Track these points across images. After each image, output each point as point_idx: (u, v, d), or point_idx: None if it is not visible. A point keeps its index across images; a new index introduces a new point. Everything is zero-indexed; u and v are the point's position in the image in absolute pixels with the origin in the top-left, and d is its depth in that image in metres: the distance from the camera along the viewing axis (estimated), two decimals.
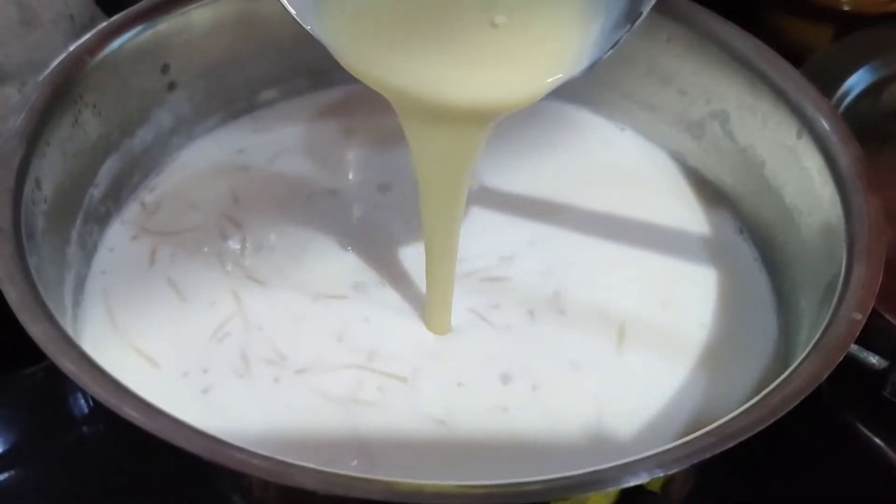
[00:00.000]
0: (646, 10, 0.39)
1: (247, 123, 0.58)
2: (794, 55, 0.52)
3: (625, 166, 0.56)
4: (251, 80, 0.58)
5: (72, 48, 0.48)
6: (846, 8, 0.66)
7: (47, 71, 0.47)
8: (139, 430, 0.34)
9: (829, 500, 0.51)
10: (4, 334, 0.53)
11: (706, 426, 0.36)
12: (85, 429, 0.54)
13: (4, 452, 0.52)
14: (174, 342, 0.47)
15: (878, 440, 0.50)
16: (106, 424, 0.47)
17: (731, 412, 0.37)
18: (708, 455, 0.34)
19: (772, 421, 0.35)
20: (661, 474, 0.34)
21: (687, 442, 0.35)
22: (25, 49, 0.56)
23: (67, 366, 0.36)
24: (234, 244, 0.51)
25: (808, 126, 0.49)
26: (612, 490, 0.34)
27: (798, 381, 0.37)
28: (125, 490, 0.50)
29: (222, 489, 0.42)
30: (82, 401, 0.54)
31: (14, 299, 0.37)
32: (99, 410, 0.51)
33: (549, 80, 0.40)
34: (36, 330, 0.37)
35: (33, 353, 0.55)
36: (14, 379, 0.55)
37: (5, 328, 0.50)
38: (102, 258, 0.50)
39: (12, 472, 0.52)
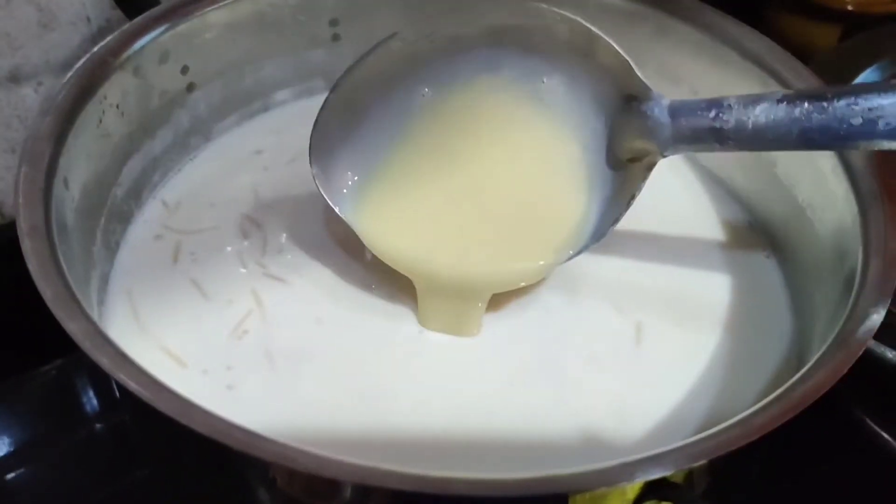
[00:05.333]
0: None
1: (263, 124, 0.59)
2: (800, 56, 0.52)
3: None
4: (266, 81, 0.59)
5: (95, 49, 0.49)
6: (851, 8, 0.67)
7: (72, 72, 0.47)
8: (173, 425, 0.35)
9: (842, 494, 0.51)
10: (16, 334, 0.54)
11: (721, 422, 0.37)
12: (97, 425, 0.54)
13: (17, 449, 0.53)
14: (198, 340, 0.47)
15: (888, 436, 0.50)
16: (134, 419, 0.47)
17: (745, 408, 0.38)
18: (734, 447, 0.35)
19: (797, 413, 0.36)
20: (689, 465, 0.35)
21: (714, 433, 0.36)
22: (42, 50, 0.56)
23: (104, 361, 0.36)
24: (254, 243, 0.51)
25: None
26: (640, 481, 0.35)
27: (820, 374, 0.38)
28: (138, 486, 0.51)
29: (245, 482, 0.42)
30: (94, 398, 0.55)
31: (50, 296, 0.38)
32: (126, 405, 0.51)
33: (542, 263, 0.47)
34: (73, 326, 0.37)
35: (45, 351, 0.55)
36: (26, 378, 0.56)
37: (17, 328, 0.51)
38: (126, 257, 0.51)
39: (25, 469, 0.52)
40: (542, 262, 0.48)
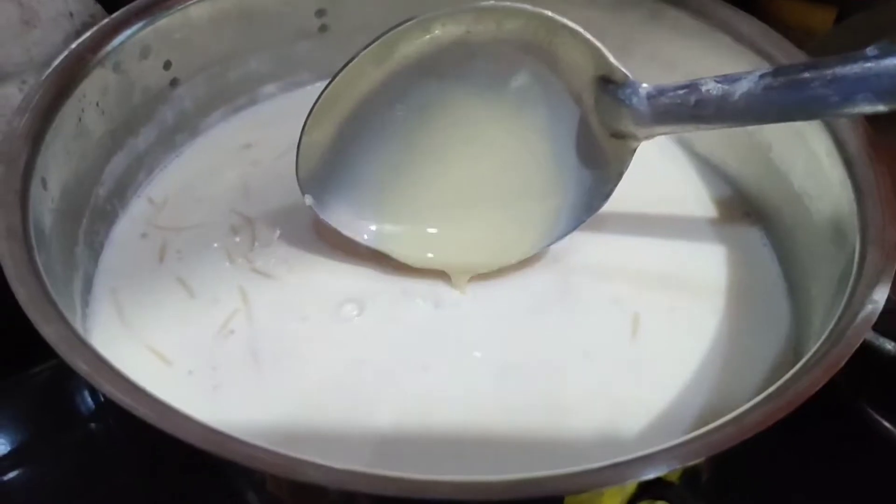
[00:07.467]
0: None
1: (251, 118, 0.58)
2: (796, 38, 0.52)
3: None
4: (253, 75, 0.58)
5: (73, 46, 0.48)
6: None
7: (49, 70, 0.47)
8: (153, 428, 0.34)
9: (843, 486, 0.51)
10: (10, 335, 0.53)
11: (719, 415, 0.36)
12: (92, 426, 0.54)
13: (12, 451, 0.52)
14: (184, 340, 0.46)
15: (891, 426, 0.49)
16: (117, 421, 0.47)
17: (743, 400, 0.37)
18: (728, 446, 0.34)
19: (791, 410, 0.35)
20: (682, 466, 0.34)
21: (707, 432, 0.35)
22: (25, 48, 0.56)
23: (81, 366, 0.35)
24: (243, 239, 0.51)
25: None
26: (632, 482, 0.34)
27: (816, 370, 0.37)
28: (133, 486, 0.50)
29: (235, 485, 0.42)
30: (89, 399, 0.55)
31: (25, 300, 0.37)
32: (108, 408, 0.51)
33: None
34: (48, 330, 0.36)
35: (39, 352, 0.55)
36: (21, 379, 0.55)
37: (11, 329, 0.51)
38: (111, 256, 0.50)
39: (20, 470, 0.52)
40: (531, 248, 0.50)
